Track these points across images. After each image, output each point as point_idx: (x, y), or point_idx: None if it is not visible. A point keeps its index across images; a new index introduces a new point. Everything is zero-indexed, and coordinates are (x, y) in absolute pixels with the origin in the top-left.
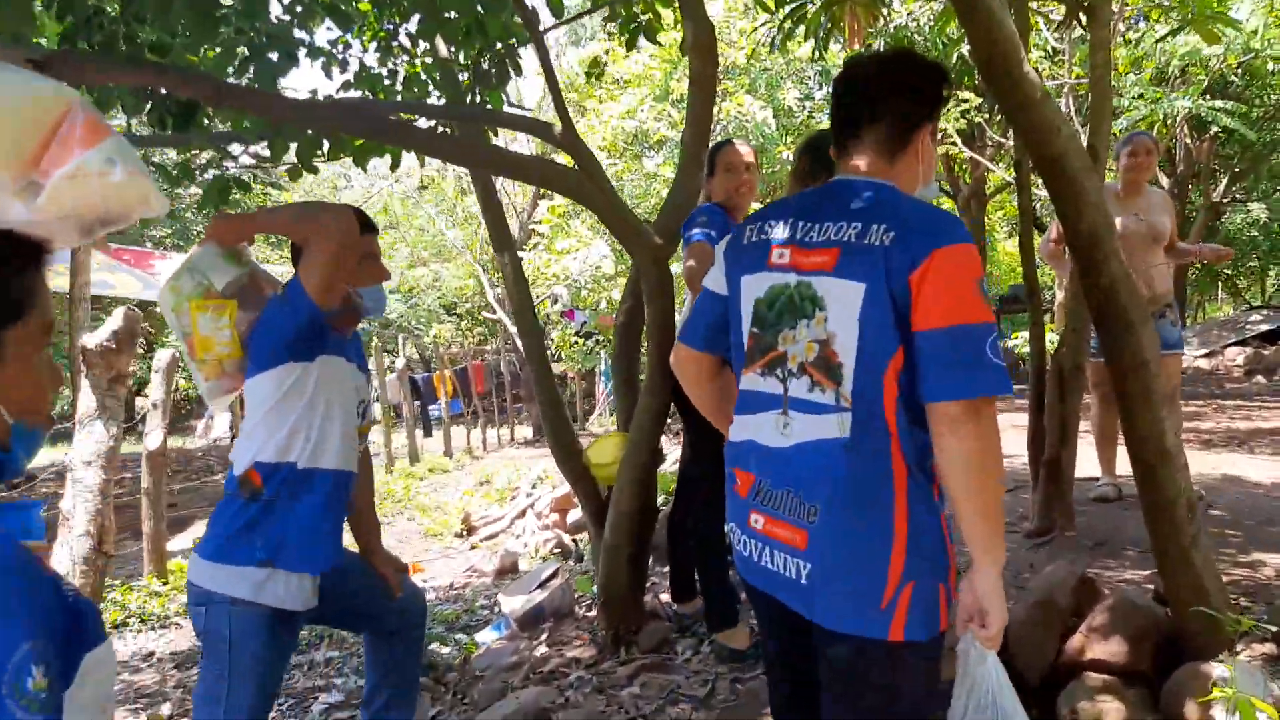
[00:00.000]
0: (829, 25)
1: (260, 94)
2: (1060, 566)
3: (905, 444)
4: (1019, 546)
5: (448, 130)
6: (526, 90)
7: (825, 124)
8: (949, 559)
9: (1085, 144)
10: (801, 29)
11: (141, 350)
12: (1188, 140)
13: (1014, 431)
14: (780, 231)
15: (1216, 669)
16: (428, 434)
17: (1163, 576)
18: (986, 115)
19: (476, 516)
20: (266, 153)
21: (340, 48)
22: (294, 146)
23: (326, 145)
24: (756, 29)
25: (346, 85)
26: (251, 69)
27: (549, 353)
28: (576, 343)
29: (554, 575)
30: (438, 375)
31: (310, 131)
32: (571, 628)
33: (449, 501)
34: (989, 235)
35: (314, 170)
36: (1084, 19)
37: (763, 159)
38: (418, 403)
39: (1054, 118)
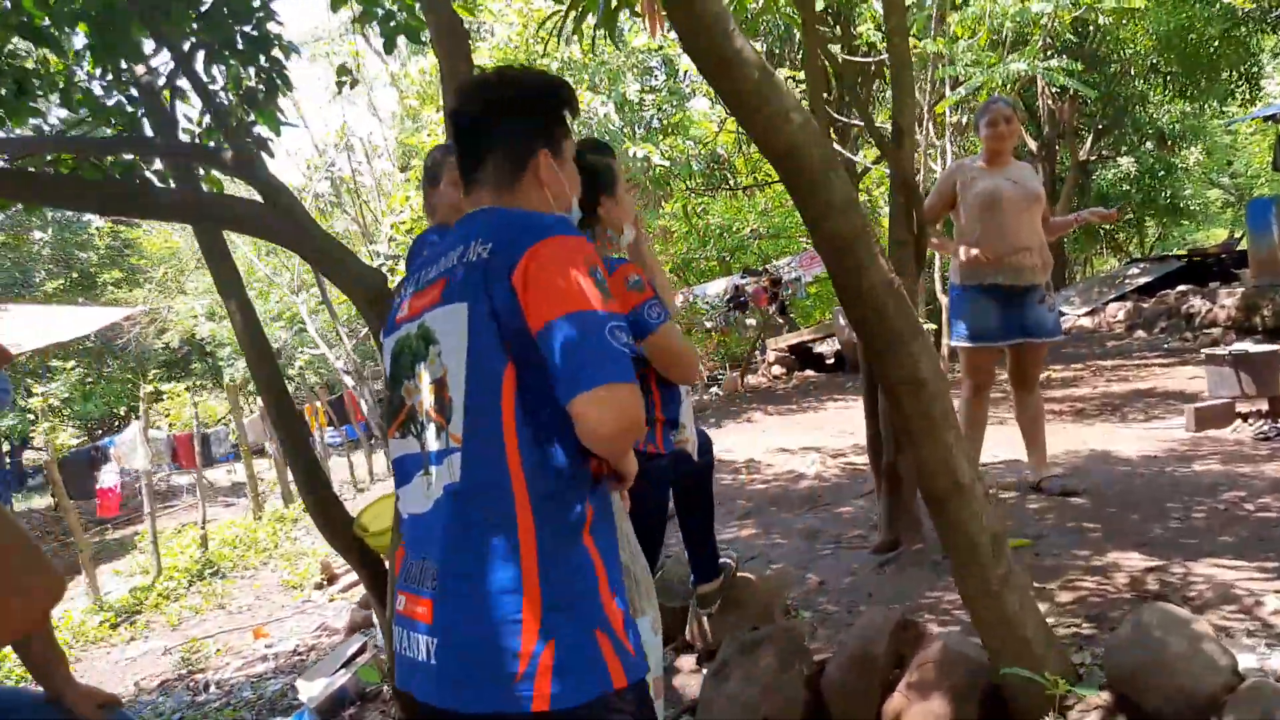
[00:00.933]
0: (609, 6)
1: None
2: (875, 612)
3: (532, 478)
4: (863, 566)
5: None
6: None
7: (676, 116)
8: (604, 601)
9: (890, 121)
10: (592, 17)
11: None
12: (1050, 102)
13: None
14: (409, 288)
15: None
16: None
17: (976, 627)
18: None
19: (340, 564)
20: None
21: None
22: None
23: None
24: (546, 20)
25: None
26: None
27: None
28: None
29: (361, 651)
30: (308, 407)
31: None
32: (376, 712)
33: (317, 547)
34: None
35: None
36: None
37: None
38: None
39: (780, 101)
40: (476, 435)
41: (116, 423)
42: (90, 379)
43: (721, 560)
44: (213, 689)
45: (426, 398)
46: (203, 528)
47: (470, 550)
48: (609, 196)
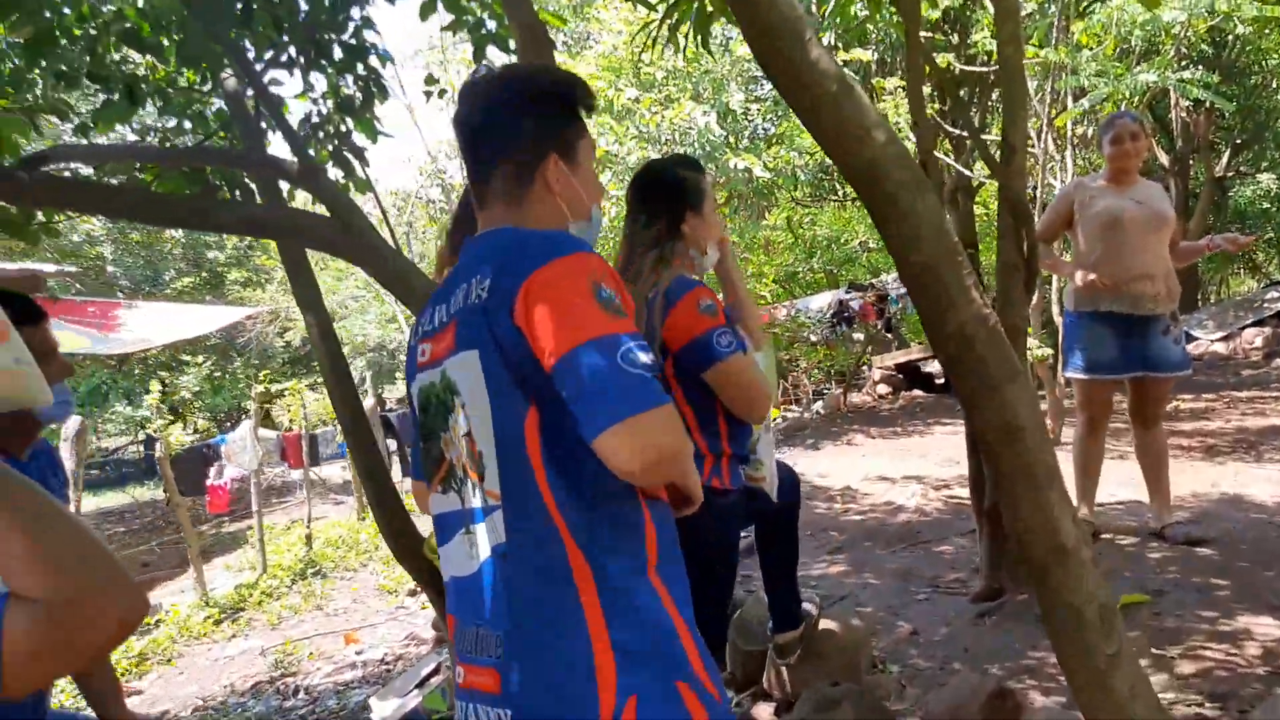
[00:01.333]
0: (703, 13)
1: None
2: (968, 676)
3: (574, 525)
4: (960, 615)
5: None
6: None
7: (781, 126)
8: (683, 643)
9: (1002, 137)
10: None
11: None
12: (1183, 115)
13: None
14: (425, 323)
15: None
16: (405, 473)
17: (1078, 704)
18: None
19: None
20: None
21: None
22: None
23: None
24: (646, 26)
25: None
26: None
27: None
28: None
29: (435, 672)
30: None
31: None
32: None
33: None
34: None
35: None
36: None
37: (710, 168)
38: (392, 441)
39: (860, 117)
40: (513, 489)
41: (242, 415)
42: (218, 374)
43: (803, 606)
44: (301, 694)
45: (462, 452)
46: (308, 527)
47: (529, 612)
48: (695, 214)
